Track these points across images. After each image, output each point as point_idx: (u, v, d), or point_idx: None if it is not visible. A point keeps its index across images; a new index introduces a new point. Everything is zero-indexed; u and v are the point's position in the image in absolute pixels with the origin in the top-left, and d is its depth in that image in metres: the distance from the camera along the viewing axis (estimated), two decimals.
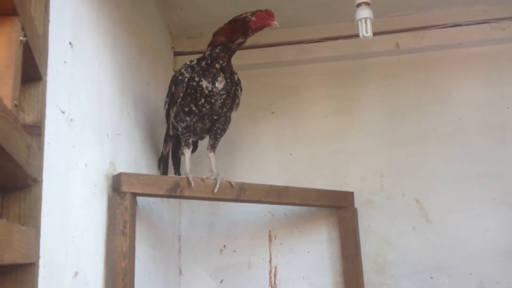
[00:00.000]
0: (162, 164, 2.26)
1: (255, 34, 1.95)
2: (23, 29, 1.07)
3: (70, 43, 1.50)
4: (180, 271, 2.54)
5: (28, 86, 1.19)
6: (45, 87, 1.28)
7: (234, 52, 1.97)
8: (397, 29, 2.55)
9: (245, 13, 1.95)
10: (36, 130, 1.23)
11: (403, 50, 2.58)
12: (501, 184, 2.40)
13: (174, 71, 2.67)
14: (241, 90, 2.08)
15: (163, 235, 2.35)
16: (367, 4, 1.95)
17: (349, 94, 2.63)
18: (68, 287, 1.40)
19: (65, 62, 1.44)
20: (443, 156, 2.47)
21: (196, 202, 2.53)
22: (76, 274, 1.47)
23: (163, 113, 2.42)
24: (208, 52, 1.97)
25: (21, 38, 1.06)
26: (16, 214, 1.13)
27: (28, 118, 1.20)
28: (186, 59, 2.61)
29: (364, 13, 1.93)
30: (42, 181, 1.21)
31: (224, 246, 2.55)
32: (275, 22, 1.92)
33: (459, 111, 2.51)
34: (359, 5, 1.95)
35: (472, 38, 2.52)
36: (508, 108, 2.47)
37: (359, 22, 1.94)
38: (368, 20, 1.93)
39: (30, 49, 1.11)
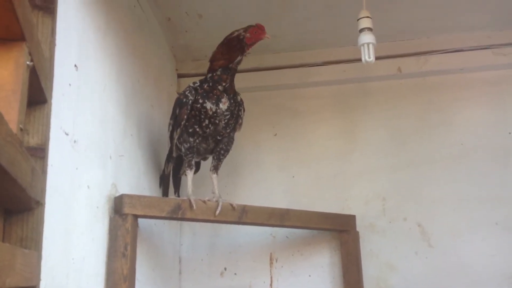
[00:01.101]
0: (163, 183, 2.27)
1: (250, 49, 1.97)
2: (30, 53, 1.08)
3: (75, 65, 1.52)
4: None
5: (33, 109, 1.20)
6: (50, 110, 1.30)
7: (235, 71, 1.99)
8: (399, 53, 2.57)
9: (236, 30, 1.98)
10: (40, 152, 1.24)
11: (406, 75, 2.60)
12: (504, 208, 2.39)
13: (178, 93, 2.70)
14: (244, 110, 2.09)
15: (163, 257, 2.34)
16: (370, 29, 1.97)
17: (352, 117, 2.65)
18: None
19: (70, 84, 1.46)
20: (446, 180, 2.47)
21: (197, 223, 2.53)
22: None
23: (166, 134, 2.43)
24: (210, 75, 1.99)
25: (28, 62, 1.08)
26: (18, 237, 1.13)
27: (33, 140, 1.22)
28: (190, 81, 2.65)
29: (367, 38, 1.95)
30: (44, 203, 1.22)
31: (225, 269, 2.54)
32: (267, 35, 1.95)
33: (462, 135, 2.52)
34: (361, 30, 1.97)
35: (474, 63, 2.54)
36: (510, 133, 2.47)
37: (362, 47, 1.96)
38: (370, 45, 1.95)
39: (37, 73, 1.12)
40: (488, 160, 2.46)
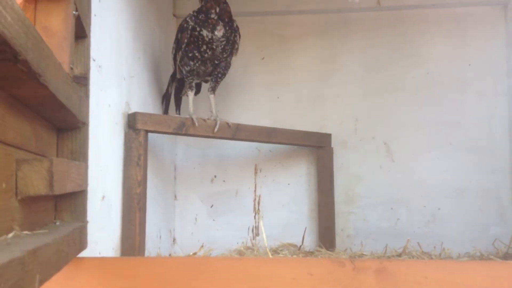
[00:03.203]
0: (165, 101, 2.54)
1: None
2: (75, 3, 1.30)
3: None
4: (175, 197, 2.89)
5: (76, 43, 1.44)
6: (89, 43, 1.54)
7: None
8: None
9: None
10: (83, 80, 1.50)
11: (384, 8, 2.84)
12: (459, 131, 2.77)
13: (174, 15, 2.89)
14: (239, 36, 2.32)
15: (162, 165, 2.66)
16: None
17: (333, 44, 2.91)
18: (98, 208, 1.72)
19: (95, 15, 1.67)
20: (411, 105, 2.82)
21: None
22: (103, 197, 1.78)
23: (166, 57, 2.66)
24: (199, 7, 2.21)
25: (74, 12, 1.30)
26: (69, 150, 1.42)
27: (77, 70, 1.46)
28: (185, 3, 2.84)
29: None
30: (88, 123, 1.49)
31: (215, 176, 2.90)
32: None
33: (428, 65, 2.83)
34: None
35: (444, 0, 2.79)
36: (470, 64, 2.80)
37: None
38: None
39: (80, 17, 1.35)
40: (449, 88, 2.80)
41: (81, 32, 1.46)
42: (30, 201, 1.03)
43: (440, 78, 2.81)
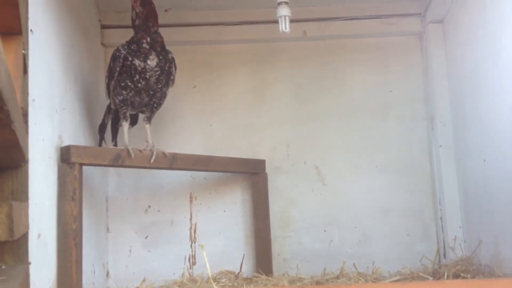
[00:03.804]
0: (101, 131, 2.48)
1: (132, 2, 2.23)
2: (23, 42, 1.27)
3: (31, 30, 1.67)
4: (108, 229, 2.81)
5: None
6: (28, 79, 1.49)
7: (150, 28, 2.21)
8: (305, 18, 2.91)
9: None
10: (25, 118, 1.45)
11: (310, 37, 2.97)
12: (383, 154, 2.93)
13: (102, 44, 2.85)
14: (175, 67, 2.34)
15: (94, 197, 2.58)
16: (286, 3, 2.28)
17: (263, 73, 3.00)
18: (34, 247, 1.64)
19: (29, 49, 1.62)
20: (339, 131, 2.95)
21: None
22: (39, 235, 1.70)
23: (96, 87, 2.61)
24: (131, 37, 2.22)
25: (23, 51, 1.27)
26: (10, 190, 1.36)
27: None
28: (113, 32, 2.82)
29: (284, 11, 2.27)
30: (28, 160, 1.44)
31: (149, 206, 2.85)
32: None
33: (353, 92, 2.98)
34: (279, 3, 2.28)
35: (366, 30, 2.97)
36: (391, 91, 2.98)
37: (280, 19, 2.28)
38: (287, 18, 2.27)
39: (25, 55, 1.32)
40: (372, 114, 2.97)
41: (24, 69, 1.43)
42: None
43: (364, 104, 2.97)
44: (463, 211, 2.68)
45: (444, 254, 2.75)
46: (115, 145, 2.48)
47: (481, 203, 2.42)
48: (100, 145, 2.49)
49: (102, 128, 2.49)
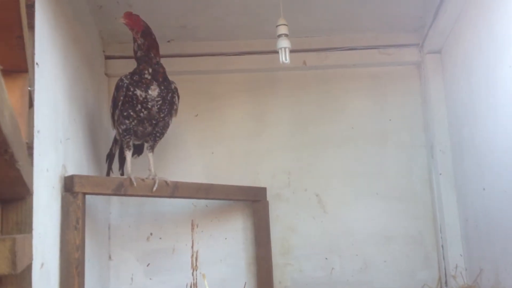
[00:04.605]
0: (109, 160, 2.52)
1: (134, 34, 2.28)
2: (29, 79, 1.32)
3: (37, 63, 1.72)
4: (110, 257, 2.82)
5: None
6: (33, 113, 1.53)
7: (151, 59, 2.25)
8: (304, 48, 2.97)
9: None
10: (30, 150, 1.48)
11: (309, 67, 3.03)
12: (383, 181, 2.95)
13: (106, 74, 2.90)
14: (178, 97, 2.38)
15: (96, 225, 2.60)
16: (286, 35, 2.34)
17: (263, 101, 3.05)
18: (38, 277, 1.66)
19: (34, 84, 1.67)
20: (338, 158, 2.98)
21: None
22: (42, 265, 1.73)
23: (99, 116, 2.66)
24: (134, 69, 2.27)
25: (29, 88, 1.31)
26: (14, 222, 1.38)
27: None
28: (117, 63, 2.88)
29: (284, 43, 2.32)
30: (33, 192, 1.47)
31: (151, 234, 2.87)
32: (121, 19, 2.27)
33: (352, 120, 3.02)
34: (279, 36, 2.33)
35: (364, 60, 3.03)
36: (390, 119, 3.02)
37: (280, 50, 2.33)
38: (287, 49, 2.32)
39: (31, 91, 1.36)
40: (371, 141, 3.00)
41: (30, 103, 1.46)
42: None
43: (363, 131, 3.01)
44: (464, 239, 2.69)
45: (446, 282, 2.75)
46: (122, 174, 2.52)
47: (482, 232, 2.43)
48: (108, 174, 2.52)
49: (110, 158, 2.52)
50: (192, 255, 2.83)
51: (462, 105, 2.61)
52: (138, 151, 2.53)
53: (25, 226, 1.41)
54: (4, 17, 0.97)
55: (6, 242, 0.93)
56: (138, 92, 2.21)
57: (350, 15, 2.84)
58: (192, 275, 2.77)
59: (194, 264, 2.80)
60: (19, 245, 0.98)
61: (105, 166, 2.59)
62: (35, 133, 1.67)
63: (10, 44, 1.12)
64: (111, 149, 2.53)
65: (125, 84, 2.22)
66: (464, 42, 2.53)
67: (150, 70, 2.23)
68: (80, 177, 2.02)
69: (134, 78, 2.23)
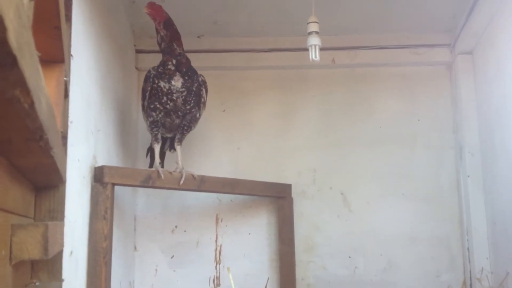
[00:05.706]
0: (150, 154, 2.56)
1: (156, 24, 2.29)
2: (65, 70, 1.35)
3: (72, 55, 1.76)
4: (135, 247, 2.87)
5: None
6: (68, 103, 1.57)
7: (174, 50, 2.27)
8: (334, 46, 2.96)
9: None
10: (64, 140, 1.52)
11: (338, 65, 3.02)
12: (410, 182, 2.93)
13: (136, 68, 2.94)
14: (206, 91, 2.39)
15: (123, 216, 2.64)
16: (317, 33, 2.33)
17: (291, 99, 3.05)
18: (67, 264, 1.70)
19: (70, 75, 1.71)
20: (365, 157, 2.96)
21: None
22: (71, 253, 1.77)
23: (128, 108, 2.70)
24: (160, 61, 2.30)
25: (65, 78, 1.34)
26: (47, 209, 1.42)
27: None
28: (147, 57, 2.92)
29: (314, 40, 2.32)
30: (66, 180, 1.50)
31: (176, 226, 2.90)
32: (144, 9, 2.27)
33: (380, 120, 3.00)
34: (310, 33, 2.33)
35: (394, 59, 3.00)
36: (418, 120, 2.99)
37: (310, 48, 2.33)
38: (317, 47, 2.32)
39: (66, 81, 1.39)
40: (399, 142, 2.98)
41: (65, 94, 1.50)
42: (18, 265, 1.04)
43: (391, 132, 2.98)
44: (491, 242, 2.65)
45: (471, 285, 2.72)
46: (162, 167, 2.54)
47: (509, 235, 2.40)
48: (151, 167, 2.54)
49: (151, 152, 2.54)
50: (216, 249, 2.85)
51: (494, 108, 2.57)
52: (170, 146, 2.55)
53: (57, 213, 1.44)
54: (44, 8, 1.00)
55: (39, 227, 0.96)
56: (162, 83, 2.23)
57: (381, 14, 2.82)
58: (216, 268, 2.80)
59: (218, 258, 2.82)
60: (51, 231, 1.01)
61: (133, 158, 2.63)
62: (69, 124, 1.71)
63: (48, 34, 1.15)
64: (151, 144, 2.56)
65: (152, 75, 2.25)
66: (498, 44, 2.49)
67: (174, 62, 2.25)
68: (110, 168, 2.06)
69: (159, 70, 2.26)
